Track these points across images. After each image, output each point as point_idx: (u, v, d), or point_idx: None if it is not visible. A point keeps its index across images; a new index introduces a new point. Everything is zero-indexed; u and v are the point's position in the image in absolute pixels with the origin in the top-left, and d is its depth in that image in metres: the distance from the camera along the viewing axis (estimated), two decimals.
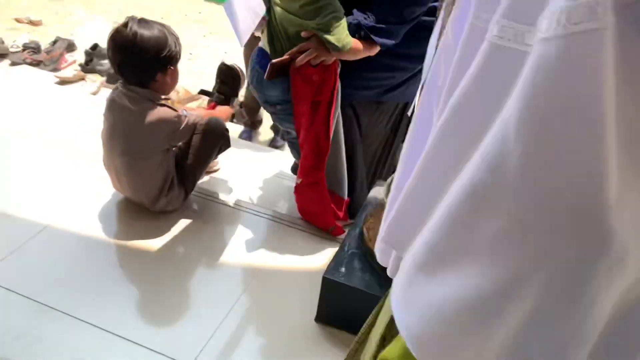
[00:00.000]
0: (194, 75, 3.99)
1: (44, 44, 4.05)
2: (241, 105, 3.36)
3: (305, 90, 1.73)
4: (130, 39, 1.67)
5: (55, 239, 1.81)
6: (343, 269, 1.56)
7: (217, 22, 5.11)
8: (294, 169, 2.27)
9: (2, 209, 1.91)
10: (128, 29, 1.68)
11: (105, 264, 1.77)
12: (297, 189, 1.94)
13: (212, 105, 2.17)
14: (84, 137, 2.51)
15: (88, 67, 3.74)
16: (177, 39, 1.77)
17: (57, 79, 3.58)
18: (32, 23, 4.54)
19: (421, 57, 1.96)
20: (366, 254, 1.60)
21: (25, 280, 1.65)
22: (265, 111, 3.40)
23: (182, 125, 1.81)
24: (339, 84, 1.77)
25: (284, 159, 2.97)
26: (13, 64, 3.72)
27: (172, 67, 1.79)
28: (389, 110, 2.09)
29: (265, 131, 3.45)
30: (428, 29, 1.91)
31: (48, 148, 2.30)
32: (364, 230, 1.65)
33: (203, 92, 2.22)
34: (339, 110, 1.83)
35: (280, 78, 1.74)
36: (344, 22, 1.66)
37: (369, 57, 1.80)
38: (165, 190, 1.87)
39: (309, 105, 1.76)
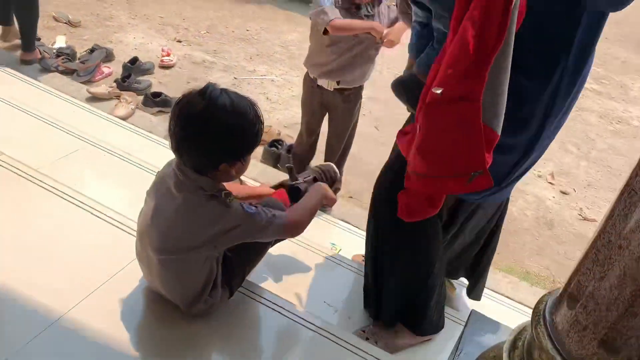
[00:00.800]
0: None
1: (80, 50, 3.73)
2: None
3: None
4: (203, 115, 1.27)
5: (63, 342, 1.43)
6: None
7: (264, 43, 4.76)
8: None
9: None
10: (204, 100, 1.28)
11: None
12: (432, 104, 1.19)
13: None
14: (111, 189, 2.14)
15: (124, 83, 3.40)
16: (262, 123, 1.36)
17: (89, 95, 3.24)
18: (70, 24, 4.22)
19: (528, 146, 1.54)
20: None
21: None
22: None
23: (240, 228, 1.38)
24: None
25: (333, 227, 2.59)
26: (43, 70, 3.39)
27: (242, 160, 1.39)
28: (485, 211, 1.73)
29: None
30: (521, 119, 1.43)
31: (63, 199, 1.92)
32: None
33: (288, 187, 1.76)
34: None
35: None
36: None
37: None
38: (205, 295, 1.48)
39: None
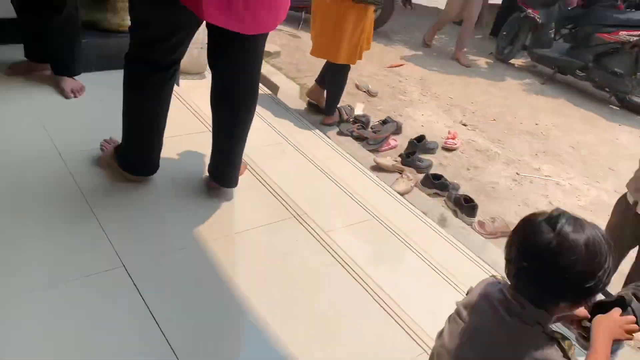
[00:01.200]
0: (514, 204, 3.36)
1: (373, 119, 3.96)
2: None
3: None
4: (553, 251, 1.11)
5: None
6: None
7: (553, 140, 4.41)
8: None
9: None
10: (555, 232, 1.12)
11: None
12: None
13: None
14: (391, 273, 2.09)
15: (408, 159, 3.45)
16: (611, 266, 1.15)
17: (375, 164, 3.37)
18: (368, 93, 4.54)
19: None
20: None
21: None
22: None
23: None
24: None
25: None
26: (340, 133, 3.67)
27: (585, 302, 1.21)
28: None
29: None
30: None
31: (347, 271, 1.93)
32: None
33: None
34: None
35: None
36: None
37: None
38: None
39: None
